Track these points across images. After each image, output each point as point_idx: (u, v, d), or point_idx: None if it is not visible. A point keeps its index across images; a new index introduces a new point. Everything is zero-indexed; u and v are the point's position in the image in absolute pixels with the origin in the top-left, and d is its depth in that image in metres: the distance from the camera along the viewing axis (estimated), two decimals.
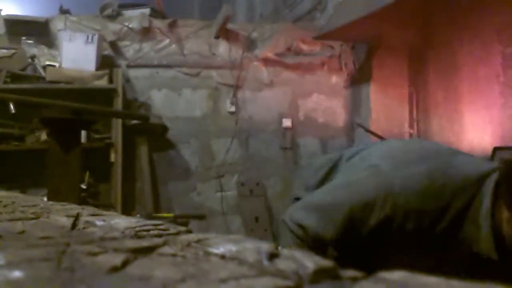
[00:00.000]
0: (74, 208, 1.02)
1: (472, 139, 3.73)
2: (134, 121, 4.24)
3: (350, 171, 1.63)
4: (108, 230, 0.71)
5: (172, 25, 4.55)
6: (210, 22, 4.68)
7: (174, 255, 0.54)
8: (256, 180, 4.58)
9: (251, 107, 4.64)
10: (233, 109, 4.61)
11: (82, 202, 2.97)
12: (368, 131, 3.86)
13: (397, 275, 0.42)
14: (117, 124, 4.13)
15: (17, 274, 0.46)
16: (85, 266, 0.49)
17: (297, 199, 1.76)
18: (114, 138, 4.14)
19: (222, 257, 0.53)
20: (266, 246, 0.53)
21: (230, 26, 4.63)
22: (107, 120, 4.27)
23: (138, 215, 3.72)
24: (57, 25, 4.35)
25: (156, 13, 4.71)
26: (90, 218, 0.84)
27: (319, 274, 0.44)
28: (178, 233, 0.68)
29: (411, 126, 4.51)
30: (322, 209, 1.51)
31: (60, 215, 0.89)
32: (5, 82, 3.95)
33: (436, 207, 1.41)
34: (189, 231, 0.70)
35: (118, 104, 4.15)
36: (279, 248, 0.53)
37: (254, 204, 4.49)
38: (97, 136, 4.16)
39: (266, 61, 4.66)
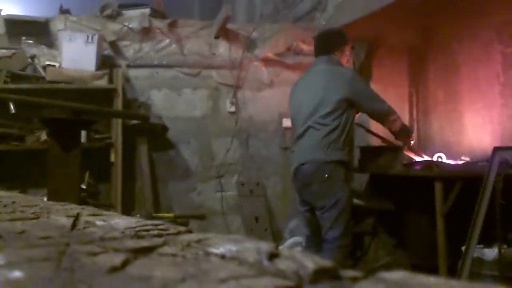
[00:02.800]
0: (74, 208, 1.02)
1: (472, 139, 3.73)
2: (134, 121, 4.24)
3: None
4: (108, 230, 0.71)
5: (172, 25, 4.54)
6: (210, 22, 4.68)
7: (174, 255, 0.55)
8: (256, 180, 4.58)
9: (251, 107, 4.64)
10: (233, 109, 4.61)
11: (82, 202, 2.97)
12: (368, 131, 3.86)
13: (397, 275, 0.42)
14: (117, 124, 4.13)
15: (17, 274, 0.46)
16: (85, 266, 0.49)
17: None
18: (114, 138, 4.15)
19: (222, 257, 0.53)
20: (266, 246, 0.53)
21: (230, 26, 4.63)
22: (107, 120, 4.27)
23: (138, 215, 3.72)
24: (57, 25, 4.34)
25: (156, 13, 4.71)
26: (90, 218, 0.84)
27: (319, 274, 0.44)
28: (178, 233, 0.68)
29: (411, 126, 4.51)
30: None
31: (60, 215, 0.89)
32: (5, 82, 3.95)
33: None
34: (189, 231, 0.70)
35: (118, 104, 4.15)
36: (279, 248, 0.53)
37: (254, 204, 4.49)
38: (97, 136, 4.16)
39: (266, 61, 4.66)
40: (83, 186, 3.97)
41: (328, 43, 3.34)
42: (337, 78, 3.17)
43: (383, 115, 3.28)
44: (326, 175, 3.02)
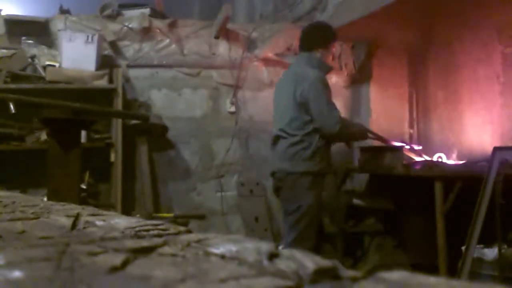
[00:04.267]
0: (74, 208, 1.02)
1: (472, 139, 3.73)
2: (134, 121, 4.24)
3: None
4: (108, 230, 0.71)
5: (172, 25, 4.54)
6: (210, 22, 4.68)
7: (174, 255, 0.55)
8: (256, 180, 4.58)
9: (251, 107, 4.63)
10: (233, 109, 4.60)
11: (82, 202, 2.97)
12: (369, 131, 3.86)
13: (397, 275, 0.42)
14: (117, 124, 4.12)
15: (17, 274, 0.46)
16: (85, 266, 0.49)
17: None
18: (114, 138, 4.14)
19: (222, 257, 0.53)
20: (266, 246, 0.53)
21: (230, 26, 4.63)
22: (107, 120, 4.27)
23: (138, 215, 3.72)
24: (57, 25, 4.34)
25: (156, 13, 4.70)
26: (90, 218, 0.84)
27: (319, 274, 0.44)
28: (178, 233, 0.68)
29: (411, 126, 4.51)
30: None
31: (60, 215, 0.89)
32: (5, 82, 3.95)
33: None
34: (189, 231, 0.70)
35: (118, 104, 4.15)
36: (279, 248, 0.53)
37: (254, 204, 4.49)
38: (97, 136, 4.16)
39: (266, 61, 4.66)
40: (83, 186, 3.97)
41: (311, 39, 3.20)
42: (299, 83, 3.06)
43: (327, 132, 3.05)
44: (291, 184, 3.08)
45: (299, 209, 3.04)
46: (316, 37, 3.20)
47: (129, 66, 4.44)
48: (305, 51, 3.19)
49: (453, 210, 3.02)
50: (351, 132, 3.26)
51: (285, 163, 3.09)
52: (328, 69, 3.27)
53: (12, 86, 3.94)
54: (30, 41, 4.28)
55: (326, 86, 3.09)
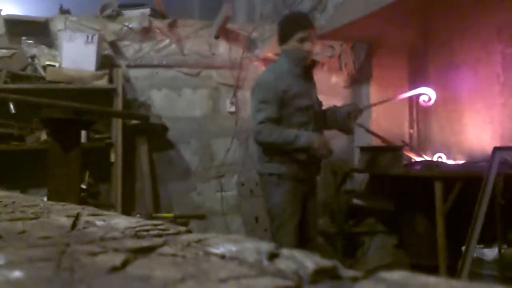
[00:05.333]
0: (74, 208, 1.02)
1: (472, 139, 3.73)
2: (134, 121, 4.24)
3: None
4: (108, 230, 0.71)
5: (172, 25, 4.54)
6: (210, 22, 4.68)
7: (174, 255, 0.55)
8: (256, 180, 4.58)
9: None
10: (233, 109, 4.61)
11: (82, 202, 2.97)
12: (368, 131, 3.86)
13: (397, 275, 0.42)
14: (117, 124, 4.13)
15: (17, 274, 0.46)
16: (85, 266, 0.49)
17: None
18: (114, 138, 4.14)
19: (222, 257, 0.53)
20: (266, 246, 0.53)
21: (230, 26, 4.63)
22: (107, 120, 4.27)
23: (138, 215, 3.72)
24: (57, 25, 4.34)
25: (156, 13, 4.71)
26: (90, 218, 0.84)
27: (319, 274, 0.44)
28: (178, 233, 0.68)
29: (411, 126, 4.50)
30: None
31: (60, 215, 0.89)
32: (5, 82, 3.95)
33: None
34: (189, 231, 0.70)
35: (118, 104, 4.15)
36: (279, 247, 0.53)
37: (254, 204, 4.49)
38: (97, 136, 4.16)
39: (266, 61, 4.66)
40: (83, 186, 3.97)
41: (279, 35, 3.04)
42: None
43: (254, 136, 2.97)
44: (262, 184, 3.12)
45: (271, 210, 3.04)
46: (281, 32, 3.01)
47: (129, 66, 4.44)
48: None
49: (453, 210, 3.02)
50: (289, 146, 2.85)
51: (257, 164, 3.15)
52: (299, 62, 2.95)
53: (12, 86, 3.94)
54: (30, 41, 4.28)
55: (265, 90, 2.85)
